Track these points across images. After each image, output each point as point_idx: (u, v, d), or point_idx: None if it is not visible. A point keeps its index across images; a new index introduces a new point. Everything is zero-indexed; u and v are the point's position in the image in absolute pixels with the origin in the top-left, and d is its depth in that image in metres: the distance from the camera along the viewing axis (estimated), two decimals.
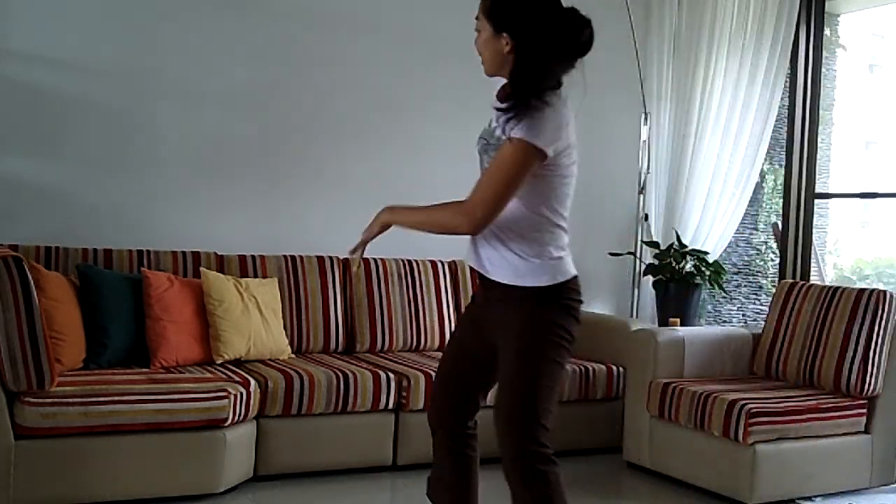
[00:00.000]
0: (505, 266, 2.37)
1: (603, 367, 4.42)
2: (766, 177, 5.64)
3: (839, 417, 3.78)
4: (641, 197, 5.37)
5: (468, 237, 2.44)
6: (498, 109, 2.40)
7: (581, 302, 2.43)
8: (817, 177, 5.05)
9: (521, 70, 2.32)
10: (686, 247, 5.11)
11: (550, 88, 2.37)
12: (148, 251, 4.06)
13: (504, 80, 2.42)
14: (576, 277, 2.45)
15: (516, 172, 2.29)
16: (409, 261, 4.66)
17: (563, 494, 2.35)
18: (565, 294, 2.37)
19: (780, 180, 5.32)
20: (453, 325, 4.65)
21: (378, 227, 2.52)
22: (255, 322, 3.97)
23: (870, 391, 3.85)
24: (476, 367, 2.61)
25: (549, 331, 2.32)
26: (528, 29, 2.28)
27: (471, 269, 2.67)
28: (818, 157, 5.05)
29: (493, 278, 2.38)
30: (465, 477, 2.71)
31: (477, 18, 2.36)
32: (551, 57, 2.33)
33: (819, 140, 5.05)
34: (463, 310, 2.78)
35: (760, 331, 4.34)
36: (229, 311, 3.88)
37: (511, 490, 2.42)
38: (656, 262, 5.14)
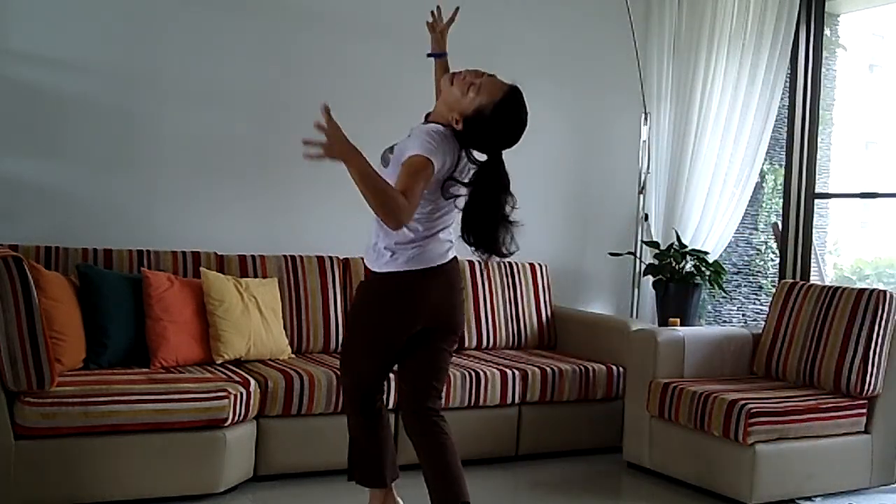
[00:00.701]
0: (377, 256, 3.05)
1: (603, 367, 4.42)
2: (766, 177, 5.64)
3: (839, 417, 3.78)
4: (641, 197, 5.37)
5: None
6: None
7: None
8: (817, 177, 5.05)
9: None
10: (686, 247, 5.12)
11: None
12: (148, 251, 4.06)
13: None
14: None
15: None
16: None
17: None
18: None
19: (780, 180, 5.32)
20: None
21: (333, 149, 2.67)
22: (255, 322, 3.97)
23: (870, 391, 3.85)
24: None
25: None
26: None
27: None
28: (818, 157, 5.05)
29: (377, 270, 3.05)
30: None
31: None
32: None
33: (819, 140, 5.05)
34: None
35: (760, 331, 4.34)
36: (229, 311, 3.88)
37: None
38: (656, 262, 5.14)
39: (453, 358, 4.38)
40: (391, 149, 2.91)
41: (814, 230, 5.05)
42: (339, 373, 3.21)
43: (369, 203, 2.63)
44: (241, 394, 3.45)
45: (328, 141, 2.58)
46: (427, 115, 3.02)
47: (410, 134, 2.87)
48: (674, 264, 5.06)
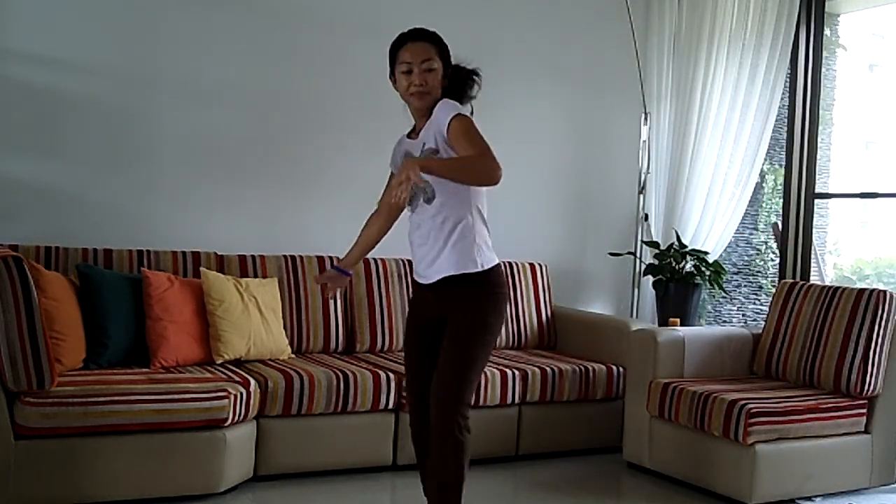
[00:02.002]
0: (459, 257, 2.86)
1: (603, 367, 4.42)
2: (766, 177, 5.64)
3: (839, 417, 3.78)
4: (641, 197, 5.37)
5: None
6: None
7: None
8: (817, 177, 5.05)
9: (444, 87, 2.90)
10: (686, 247, 5.12)
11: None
12: (148, 251, 4.06)
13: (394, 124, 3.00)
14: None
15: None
16: (410, 261, 4.63)
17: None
18: None
19: (780, 180, 5.32)
20: None
21: (417, 172, 2.58)
22: (255, 322, 3.97)
23: (870, 391, 3.85)
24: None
25: None
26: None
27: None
28: (818, 157, 5.05)
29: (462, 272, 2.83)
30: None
31: (423, 59, 2.84)
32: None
33: (819, 140, 5.04)
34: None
35: (760, 331, 4.34)
36: (229, 311, 3.88)
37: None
38: (656, 262, 5.14)
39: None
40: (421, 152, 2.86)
41: (814, 230, 5.05)
42: (407, 389, 3.03)
43: (470, 181, 2.74)
44: (241, 394, 3.45)
45: (408, 177, 2.56)
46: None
47: (435, 112, 2.81)
48: (674, 264, 5.06)
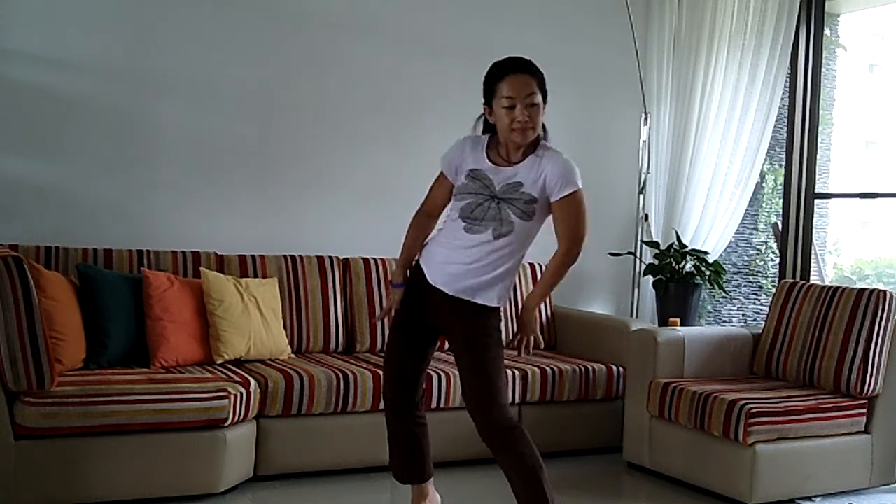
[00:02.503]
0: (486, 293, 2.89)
1: (603, 367, 4.42)
2: (766, 177, 5.64)
3: (839, 417, 3.78)
4: (641, 197, 5.37)
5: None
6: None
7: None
8: (817, 177, 5.05)
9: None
10: (686, 247, 5.12)
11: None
12: (148, 251, 4.06)
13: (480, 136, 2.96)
14: None
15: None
16: None
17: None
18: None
19: (780, 180, 5.32)
20: None
21: (536, 319, 2.96)
22: (255, 322, 3.97)
23: (870, 391, 3.85)
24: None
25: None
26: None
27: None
28: (818, 157, 5.05)
29: (475, 301, 2.87)
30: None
31: (527, 94, 2.77)
32: None
33: (819, 140, 5.05)
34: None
35: (760, 331, 4.34)
36: (229, 311, 3.88)
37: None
38: (656, 262, 5.14)
39: (454, 358, 4.39)
40: (513, 187, 2.83)
41: (814, 230, 5.05)
42: (478, 403, 2.94)
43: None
44: (241, 394, 3.45)
45: (530, 334, 2.94)
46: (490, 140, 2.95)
47: (545, 163, 2.81)
48: (674, 264, 5.06)
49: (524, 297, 4.87)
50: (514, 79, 2.76)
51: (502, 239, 2.82)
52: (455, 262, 2.87)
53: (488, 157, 2.88)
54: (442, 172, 3.02)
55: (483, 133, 2.95)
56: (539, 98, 2.78)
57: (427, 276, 2.95)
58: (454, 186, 2.95)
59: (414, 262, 3.07)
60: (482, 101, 2.89)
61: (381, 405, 3.85)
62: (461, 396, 2.98)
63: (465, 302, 2.86)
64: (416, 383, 3.08)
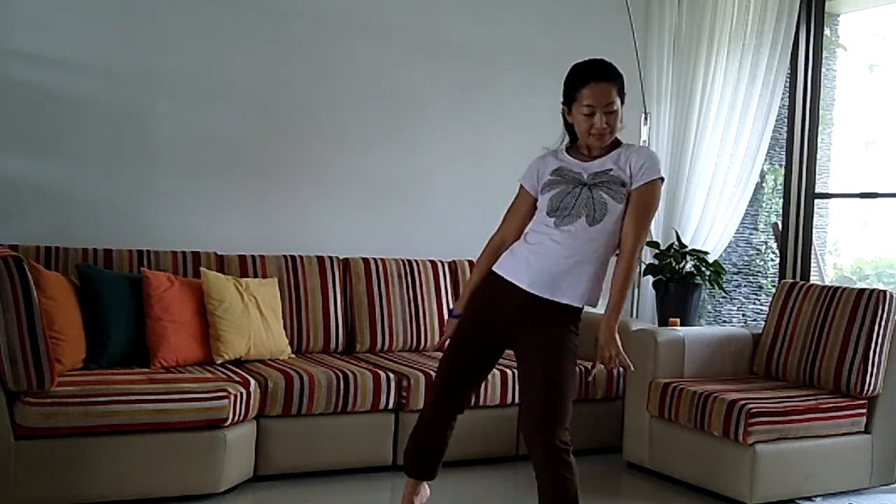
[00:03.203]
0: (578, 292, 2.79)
1: (603, 367, 4.41)
2: (766, 177, 5.64)
3: (839, 417, 3.78)
4: None
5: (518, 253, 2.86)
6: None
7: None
8: (817, 177, 5.05)
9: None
10: (686, 247, 5.11)
11: None
12: (148, 251, 4.06)
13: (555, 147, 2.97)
14: None
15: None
16: (409, 261, 4.66)
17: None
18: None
19: (780, 180, 5.32)
20: None
21: (616, 337, 2.80)
22: (255, 322, 3.97)
23: (870, 391, 3.85)
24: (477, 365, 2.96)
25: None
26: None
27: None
28: (818, 157, 5.05)
29: (557, 300, 2.76)
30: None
31: (608, 102, 2.78)
32: None
33: (819, 140, 5.05)
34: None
35: (760, 331, 4.34)
36: (229, 311, 3.88)
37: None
38: (656, 262, 5.14)
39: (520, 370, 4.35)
40: (602, 176, 2.79)
41: (814, 230, 5.05)
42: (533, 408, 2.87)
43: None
44: (241, 394, 3.45)
45: (611, 351, 2.80)
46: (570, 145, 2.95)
47: (628, 154, 2.80)
48: (674, 264, 5.06)
49: None
50: (595, 87, 2.78)
51: (597, 226, 2.74)
52: (544, 258, 2.76)
53: (572, 157, 2.87)
54: (523, 189, 2.95)
55: (566, 129, 2.94)
56: (618, 104, 2.79)
57: (507, 276, 2.82)
58: (535, 204, 2.89)
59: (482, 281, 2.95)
60: (561, 101, 2.88)
61: (381, 405, 3.87)
62: (520, 410, 2.91)
63: (547, 303, 2.74)
64: (462, 404, 3.01)
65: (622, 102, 2.82)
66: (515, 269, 2.81)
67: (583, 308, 2.80)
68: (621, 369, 2.82)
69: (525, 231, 2.93)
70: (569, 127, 2.90)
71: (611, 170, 2.77)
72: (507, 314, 2.81)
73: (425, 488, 3.18)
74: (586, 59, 2.90)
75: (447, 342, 2.99)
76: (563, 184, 2.80)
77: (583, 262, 2.75)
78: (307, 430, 3.73)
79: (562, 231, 2.76)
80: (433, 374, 3.94)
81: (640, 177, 2.74)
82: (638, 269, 5.33)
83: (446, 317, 3.09)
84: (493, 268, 2.89)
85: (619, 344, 2.77)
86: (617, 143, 2.84)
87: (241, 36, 4.50)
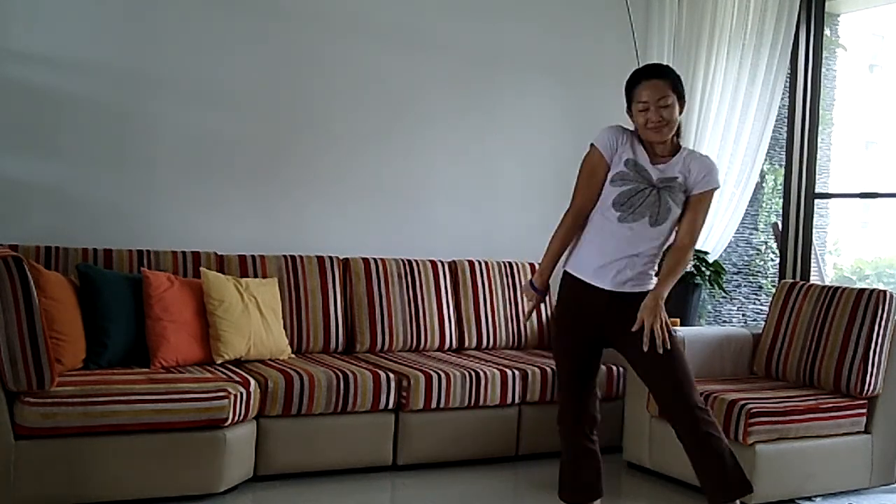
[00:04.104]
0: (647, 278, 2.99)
1: (603, 367, 4.41)
2: (766, 177, 5.64)
3: (839, 417, 3.78)
4: None
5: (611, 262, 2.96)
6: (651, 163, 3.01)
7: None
8: (817, 177, 5.05)
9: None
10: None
11: None
12: (148, 251, 4.06)
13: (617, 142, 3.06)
14: None
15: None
16: (409, 261, 4.66)
17: None
18: None
19: (780, 180, 5.32)
20: (453, 324, 4.66)
21: (658, 307, 2.88)
22: (255, 322, 3.97)
23: (870, 391, 3.85)
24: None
25: None
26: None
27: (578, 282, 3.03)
28: (818, 157, 5.05)
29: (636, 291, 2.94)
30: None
31: (658, 97, 2.94)
32: None
33: (819, 140, 5.05)
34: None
35: (760, 331, 4.33)
36: (229, 311, 3.88)
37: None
38: None
39: (453, 358, 4.40)
40: (670, 185, 2.97)
41: (814, 230, 5.05)
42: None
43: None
44: (241, 394, 3.45)
45: (655, 318, 2.85)
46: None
47: (690, 161, 2.98)
48: None
49: (524, 296, 4.88)
50: (647, 84, 2.94)
51: (658, 227, 2.94)
52: (615, 256, 2.94)
53: (642, 150, 3.00)
54: (598, 152, 3.02)
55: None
56: (672, 99, 2.93)
57: (587, 280, 2.97)
58: (609, 170, 2.99)
59: (562, 278, 3.08)
60: (625, 107, 3.07)
61: (381, 405, 3.87)
62: (653, 399, 3.08)
63: (637, 295, 2.92)
64: (591, 403, 3.10)
65: (680, 101, 2.97)
66: (591, 271, 2.97)
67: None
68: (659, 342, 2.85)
69: (591, 218, 3.02)
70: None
71: (677, 178, 2.95)
72: (596, 314, 2.98)
73: None
74: (637, 68, 3.12)
75: (532, 312, 3.20)
76: (633, 181, 2.94)
77: (641, 255, 2.94)
78: (307, 430, 3.73)
79: (623, 226, 2.93)
80: (433, 373, 3.96)
81: (699, 185, 2.95)
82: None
83: (524, 285, 3.27)
84: (570, 270, 3.03)
85: (662, 317, 2.85)
86: (678, 147, 3.00)
87: (242, 36, 4.49)
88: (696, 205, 2.96)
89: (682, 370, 2.91)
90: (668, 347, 2.83)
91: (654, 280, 2.98)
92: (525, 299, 3.27)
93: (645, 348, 2.82)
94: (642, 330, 2.85)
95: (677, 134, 3.02)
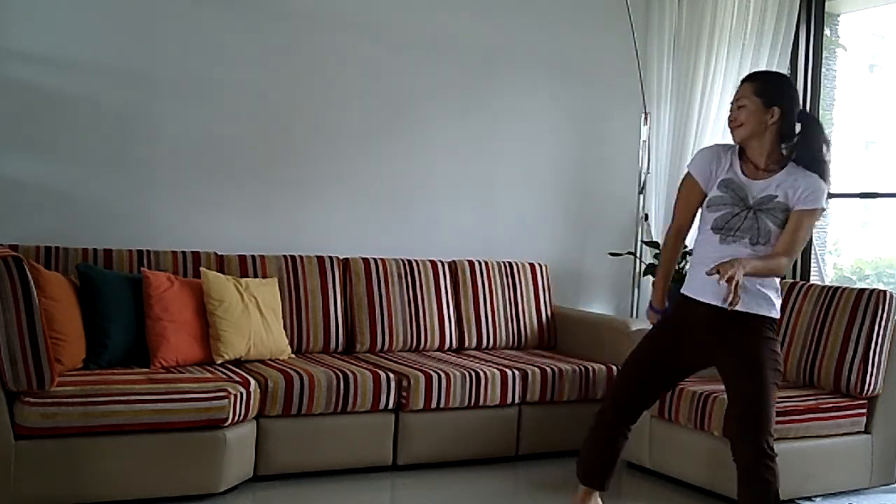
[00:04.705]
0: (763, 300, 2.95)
1: (603, 367, 4.42)
2: None
3: (839, 417, 3.78)
4: (641, 197, 5.37)
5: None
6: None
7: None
8: None
9: (789, 134, 3.01)
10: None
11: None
12: (148, 251, 4.06)
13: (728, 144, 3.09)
14: None
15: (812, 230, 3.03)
16: (409, 261, 4.66)
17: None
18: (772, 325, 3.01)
19: None
20: (453, 324, 4.66)
21: (739, 267, 2.77)
22: (255, 322, 3.97)
23: (870, 391, 3.85)
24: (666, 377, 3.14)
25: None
26: (792, 104, 3.00)
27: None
28: None
29: (754, 312, 2.92)
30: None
31: (738, 97, 2.99)
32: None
33: None
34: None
35: None
36: (229, 311, 3.88)
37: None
38: (656, 262, 5.13)
39: (453, 358, 4.40)
40: (770, 203, 2.96)
41: (814, 230, 5.04)
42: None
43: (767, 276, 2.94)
44: (241, 394, 3.45)
45: (734, 280, 2.71)
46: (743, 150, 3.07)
47: (795, 177, 2.97)
48: None
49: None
50: (739, 86, 3.04)
51: (759, 247, 2.92)
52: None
53: (741, 170, 3.01)
54: (693, 179, 3.07)
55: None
56: (748, 101, 2.96)
57: (694, 296, 2.99)
58: (705, 196, 3.04)
59: (674, 298, 3.13)
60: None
61: (381, 405, 3.87)
62: (725, 419, 3.07)
63: (745, 316, 2.90)
64: (638, 415, 3.11)
65: (770, 103, 2.94)
66: (699, 287, 2.97)
67: (772, 316, 2.96)
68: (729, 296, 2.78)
69: (697, 238, 3.08)
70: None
71: (776, 197, 2.93)
72: (702, 332, 2.98)
73: (597, 501, 3.20)
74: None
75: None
76: (729, 205, 2.96)
77: (752, 277, 2.89)
78: (307, 430, 3.73)
79: (726, 248, 2.93)
80: (433, 373, 3.96)
81: (801, 202, 2.92)
82: (638, 269, 5.33)
83: (646, 311, 3.35)
84: (683, 291, 3.06)
85: (738, 278, 2.70)
86: (786, 163, 2.97)
87: (241, 36, 4.49)
88: (796, 220, 2.91)
89: (764, 411, 2.85)
90: (735, 305, 2.73)
91: (769, 305, 2.95)
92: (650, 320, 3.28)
93: (719, 282, 2.72)
94: (740, 354, 2.90)
95: (785, 145, 3.00)
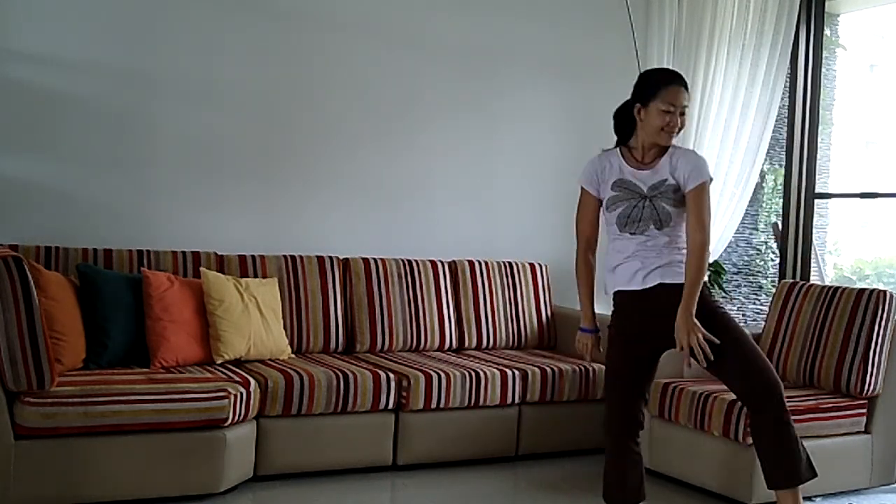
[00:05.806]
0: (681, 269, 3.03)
1: (603, 367, 4.41)
2: (766, 177, 5.64)
3: (839, 417, 3.78)
4: None
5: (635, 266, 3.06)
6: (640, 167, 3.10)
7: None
8: (817, 177, 5.05)
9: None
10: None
11: None
12: (148, 251, 4.06)
13: (610, 148, 3.21)
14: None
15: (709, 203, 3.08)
16: (409, 261, 4.66)
17: None
18: None
19: (780, 180, 5.33)
20: (453, 324, 4.66)
21: (690, 323, 2.95)
22: (255, 322, 3.97)
23: (870, 391, 3.85)
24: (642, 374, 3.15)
25: None
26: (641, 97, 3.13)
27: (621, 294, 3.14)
28: (818, 157, 5.05)
29: (677, 282, 3.00)
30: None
31: (683, 105, 3.05)
32: None
33: (819, 140, 5.05)
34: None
35: (760, 331, 4.33)
36: (229, 311, 3.88)
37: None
38: None
39: (453, 358, 4.40)
40: (658, 187, 3.04)
41: (814, 230, 5.05)
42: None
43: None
44: (241, 394, 3.45)
45: (687, 336, 2.93)
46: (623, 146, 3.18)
47: (676, 159, 3.05)
48: None
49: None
50: (676, 90, 3.04)
51: (666, 228, 3.02)
52: (640, 262, 3.04)
53: (629, 166, 3.09)
54: (584, 190, 3.19)
55: (615, 130, 3.20)
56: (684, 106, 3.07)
57: (628, 288, 3.06)
58: (601, 203, 3.14)
59: (610, 304, 3.20)
60: (632, 98, 3.14)
61: (381, 405, 3.87)
62: (732, 390, 3.14)
63: (677, 287, 2.97)
64: (638, 417, 3.11)
65: (635, 101, 3.13)
66: (624, 279, 3.08)
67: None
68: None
69: (609, 245, 3.15)
70: (621, 127, 3.18)
71: (666, 180, 3.02)
72: (647, 319, 3.04)
73: None
74: (658, 67, 3.21)
75: (591, 354, 3.33)
76: (626, 200, 3.05)
77: (670, 251, 3.03)
78: (307, 430, 3.73)
79: (638, 239, 3.04)
80: (433, 373, 3.96)
81: (689, 182, 3.01)
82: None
83: (578, 332, 3.40)
84: (613, 289, 3.14)
85: (697, 331, 2.91)
86: (665, 147, 3.08)
87: (241, 36, 4.49)
88: (693, 202, 3.01)
89: (757, 354, 3.01)
90: (711, 359, 2.90)
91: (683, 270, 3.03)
92: (579, 348, 3.36)
93: (687, 368, 2.95)
94: (709, 319, 2.96)
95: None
